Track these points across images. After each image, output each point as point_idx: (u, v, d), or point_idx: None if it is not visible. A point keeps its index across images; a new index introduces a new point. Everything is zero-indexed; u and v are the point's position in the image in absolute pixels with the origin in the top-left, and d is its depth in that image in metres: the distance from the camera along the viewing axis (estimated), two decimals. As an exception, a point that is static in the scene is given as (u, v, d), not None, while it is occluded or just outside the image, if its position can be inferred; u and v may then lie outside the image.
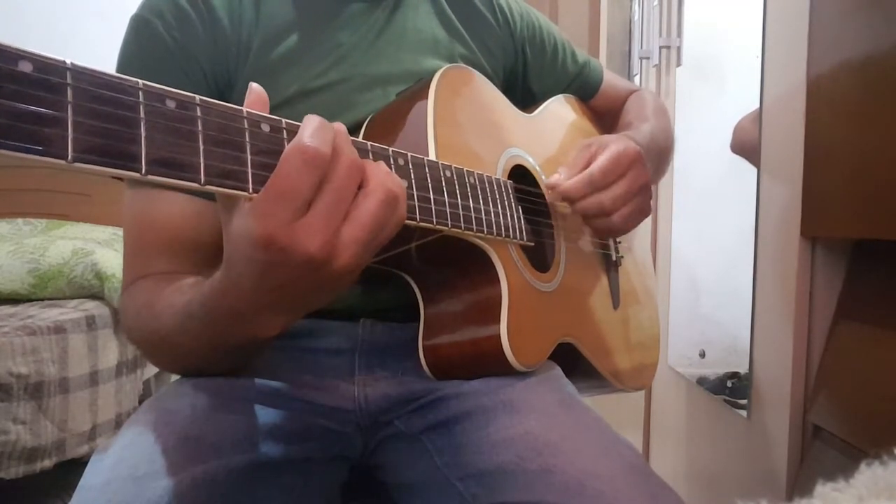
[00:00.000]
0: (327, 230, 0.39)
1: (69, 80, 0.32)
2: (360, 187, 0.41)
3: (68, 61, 0.32)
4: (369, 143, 0.47)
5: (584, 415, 0.57)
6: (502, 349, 0.57)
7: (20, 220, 2.12)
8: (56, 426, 1.48)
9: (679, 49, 1.53)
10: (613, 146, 0.65)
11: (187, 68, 0.61)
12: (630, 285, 0.86)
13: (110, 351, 1.73)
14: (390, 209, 0.42)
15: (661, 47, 1.58)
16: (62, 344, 1.53)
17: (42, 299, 1.82)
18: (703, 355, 1.36)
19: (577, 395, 0.62)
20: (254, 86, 0.41)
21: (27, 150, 0.30)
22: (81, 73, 0.33)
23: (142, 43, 0.61)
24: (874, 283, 0.80)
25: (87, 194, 2.22)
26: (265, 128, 0.40)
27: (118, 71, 0.61)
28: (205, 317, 0.49)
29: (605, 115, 0.91)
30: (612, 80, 0.92)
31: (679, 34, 1.53)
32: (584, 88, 0.89)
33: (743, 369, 1.09)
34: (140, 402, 1.85)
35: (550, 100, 0.82)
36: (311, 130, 0.39)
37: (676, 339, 1.45)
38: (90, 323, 1.67)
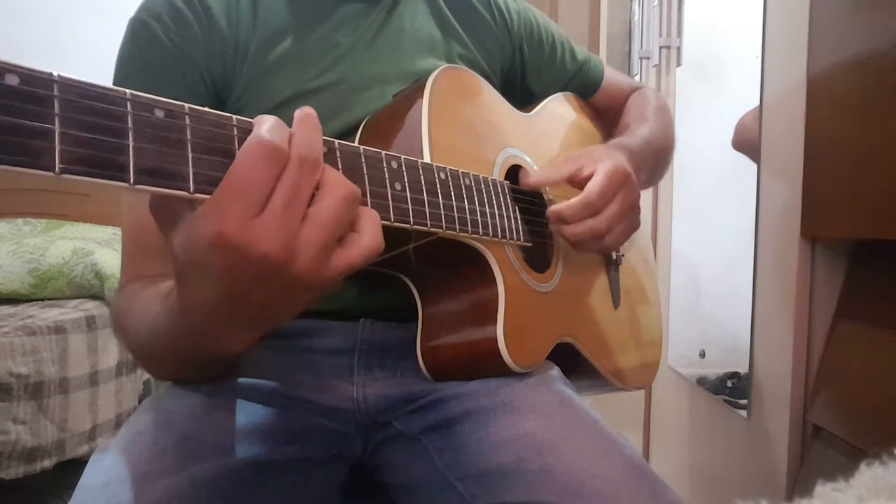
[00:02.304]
0: (284, 229, 0.36)
1: (56, 93, 0.32)
2: (317, 188, 0.39)
3: (55, 73, 0.32)
4: (361, 146, 0.47)
5: (583, 415, 0.57)
6: (499, 351, 0.57)
7: (20, 220, 2.12)
8: (56, 426, 1.48)
9: (679, 49, 1.53)
10: (604, 165, 0.64)
11: (185, 71, 0.61)
12: (631, 284, 0.86)
13: (110, 351, 1.73)
14: (350, 208, 0.39)
15: (661, 47, 1.58)
16: (62, 344, 1.54)
17: (42, 299, 1.82)
18: (703, 355, 1.36)
19: (577, 395, 0.62)
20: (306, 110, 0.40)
21: (14, 163, 0.30)
22: (68, 85, 0.32)
23: (140, 46, 0.61)
24: (874, 283, 0.80)
25: (86, 194, 2.22)
26: None
27: (116, 74, 0.61)
28: (170, 334, 0.47)
29: (607, 113, 0.91)
30: (613, 77, 0.91)
31: (679, 34, 1.53)
32: (584, 86, 0.88)
33: (743, 369, 1.09)
34: (140, 402, 1.85)
35: (549, 98, 0.82)
36: (269, 126, 0.37)
37: (676, 339, 1.45)
38: (90, 323, 1.67)
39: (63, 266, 1.82)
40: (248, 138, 0.37)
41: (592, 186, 0.63)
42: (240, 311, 0.41)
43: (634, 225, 0.69)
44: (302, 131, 0.38)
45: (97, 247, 1.91)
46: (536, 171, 0.66)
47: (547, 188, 0.71)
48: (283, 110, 0.62)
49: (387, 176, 0.48)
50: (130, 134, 0.34)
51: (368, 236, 0.41)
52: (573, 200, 0.63)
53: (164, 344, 0.49)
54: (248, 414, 0.55)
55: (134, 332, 0.54)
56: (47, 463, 1.46)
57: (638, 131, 0.81)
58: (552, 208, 0.63)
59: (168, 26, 0.60)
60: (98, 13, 2.23)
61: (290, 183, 0.37)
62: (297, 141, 0.38)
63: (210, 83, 0.62)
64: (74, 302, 1.80)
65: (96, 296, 1.85)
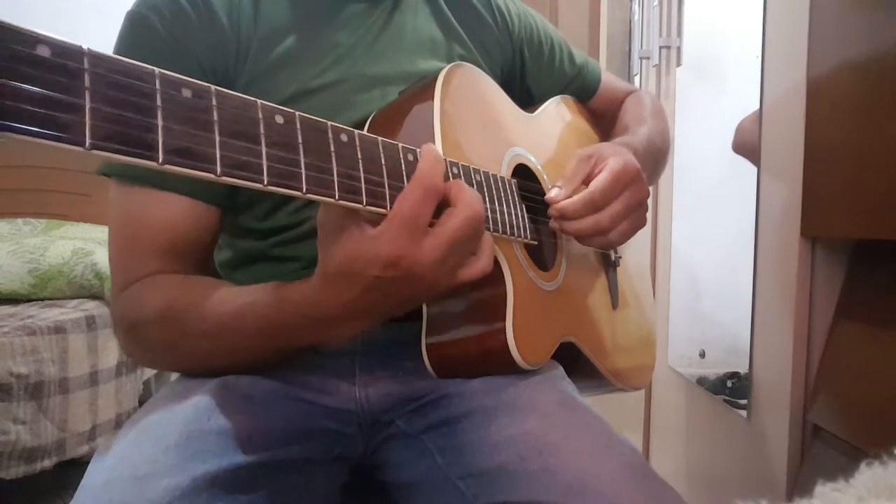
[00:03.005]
0: (437, 250, 0.46)
1: (86, 66, 0.32)
2: (447, 205, 0.47)
3: (85, 46, 0.32)
4: (380, 137, 0.47)
5: (584, 414, 0.57)
6: (508, 348, 0.57)
7: (20, 220, 2.12)
8: (56, 426, 1.48)
9: (679, 49, 1.53)
10: (613, 162, 0.64)
11: (184, 64, 0.60)
12: (627, 286, 0.87)
13: (110, 351, 1.72)
14: (479, 238, 0.50)
15: (661, 47, 1.58)
16: (62, 344, 1.54)
17: (42, 299, 1.82)
18: (703, 355, 1.36)
19: (578, 395, 0.62)
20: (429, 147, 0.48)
21: (45, 136, 0.30)
22: (99, 59, 0.32)
23: (137, 38, 0.60)
24: (874, 283, 0.80)
25: (86, 194, 2.22)
26: (279, 119, 0.40)
27: None
28: (273, 321, 0.52)
29: (604, 116, 0.91)
30: (610, 81, 0.92)
31: (679, 34, 1.53)
32: (582, 89, 0.89)
33: (743, 369, 1.09)
34: (140, 403, 1.85)
35: (549, 101, 0.82)
36: (430, 167, 0.46)
37: (676, 339, 1.45)
38: (90, 323, 1.67)
39: (63, 266, 1.82)
40: (414, 180, 0.45)
41: (597, 184, 0.63)
42: (369, 309, 0.49)
43: (641, 222, 0.68)
44: (435, 166, 0.46)
45: (97, 247, 1.91)
46: (556, 192, 0.65)
47: (549, 186, 0.71)
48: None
49: (403, 168, 0.48)
50: (159, 112, 0.34)
51: (484, 261, 0.51)
52: (576, 197, 0.63)
53: (250, 334, 0.53)
54: (249, 414, 0.55)
55: (187, 327, 0.55)
56: (47, 463, 1.46)
57: (639, 131, 0.81)
58: (554, 206, 0.63)
59: (167, 19, 0.60)
60: (98, 13, 2.23)
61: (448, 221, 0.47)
62: (456, 184, 0.48)
63: (212, 79, 0.62)
64: (74, 302, 1.79)
65: (96, 296, 1.85)
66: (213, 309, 0.55)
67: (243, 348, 0.56)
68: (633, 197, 0.65)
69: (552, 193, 0.64)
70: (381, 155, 0.46)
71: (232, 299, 0.55)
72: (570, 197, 0.63)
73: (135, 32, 0.60)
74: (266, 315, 0.52)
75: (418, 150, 0.50)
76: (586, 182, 0.65)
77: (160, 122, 0.34)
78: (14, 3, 2.31)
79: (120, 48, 0.61)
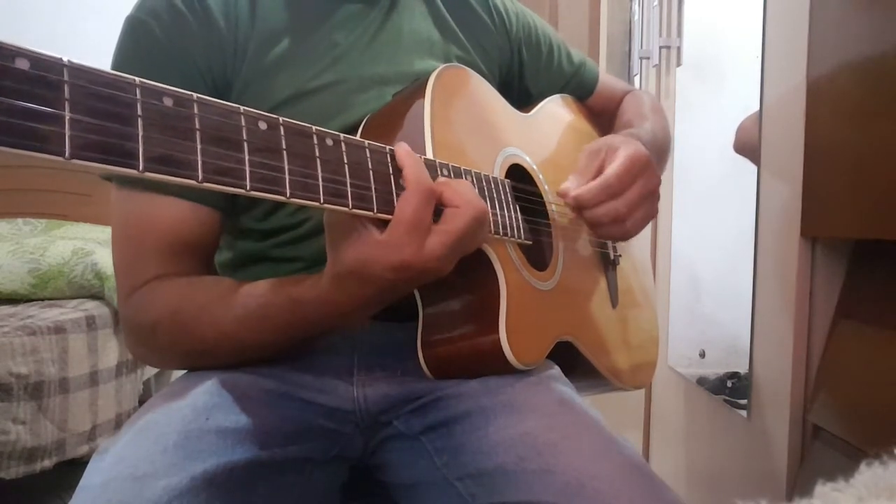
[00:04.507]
0: (445, 247, 0.48)
1: (66, 78, 0.32)
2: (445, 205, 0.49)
3: (65, 59, 0.32)
4: (367, 141, 0.47)
5: (583, 415, 0.57)
6: (501, 348, 0.57)
7: (20, 220, 2.12)
8: (56, 426, 1.48)
9: (679, 49, 1.53)
10: (623, 150, 0.64)
11: (183, 68, 0.60)
12: (628, 284, 0.86)
13: (110, 351, 1.73)
14: (476, 222, 0.50)
15: (661, 47, 1.58)
16: (62, 344, 1.54)
17: (42, 299, 1.82)
18: (703, 355, 1.36)
19: (577, 395, 0.62)
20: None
21: (25, 147, 0.30)
22: (78, 71, 0.33)
23: (137, 43, 0.61)
24: (874, 283, 0.80)
25: (87, 194, 2.22)
26: (262, 125, 0.41)
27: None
28: (290, 321, 0.54)
29: (602, 114, 0.91)
30: (607, 80, 0.92)
31: (679, 34, 1.53)
32: (580, 88, 0.89)
33: (743, 369, 1.09)
34: (140, 403, 1.85)
35: (547, 100, 0.82)
36: (420, 172, 0.48)
37: (676, 339, 1.45)
38: (90, 323, 1.67)
39: (63, 266, 1.82)
40: (411, 186, 0.47)
41: (612, 169, 0.63)
42: (384, 299, 0.52)
43: (653, 211, 0.68)
44: (419, 168, 0.49)
45: (97, 247, 1.91)
46: (568, 187, 0.65)
47: (547, 186, 0.71)
48: (282, 110, 0.62)
49: (391, 171, 0.48)
50: (140, 121, 0.35)
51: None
52: (592, 184, 0.63)
53: (273, 328, 0.55)
54: (248, 414, 0.55)
55: (206, 329, 0.57)
56: (47, 463, 1.46)
57: (643, 125, 0.81)
58: (571, 194, 0.63)
59: (166, 24, 0.60)
60: (98, 13, 2.23)
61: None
62: (449, 184, 0.50)
63: (210, 82, 0.62)
64: (74, 302, 1.79)
65: (96, 296, 1.85)
66: (226, 313, 0.56)
67: (259, 346, 0.58)
68: (647, 185, 0.65)
69: (563, 187, 0.65)
70: (368, 158, 0.47)
71: (244, 302, 0.55)
72: (580, 185, 0.64)
73: (135, 38, 0.61)
74: (282, 316, 0.54)
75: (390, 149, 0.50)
76: (598, 173, 0.64)
77: (140, 132, 0.35)
78: (16, 3, 2.31)
79: (120, 55, 0.61)
